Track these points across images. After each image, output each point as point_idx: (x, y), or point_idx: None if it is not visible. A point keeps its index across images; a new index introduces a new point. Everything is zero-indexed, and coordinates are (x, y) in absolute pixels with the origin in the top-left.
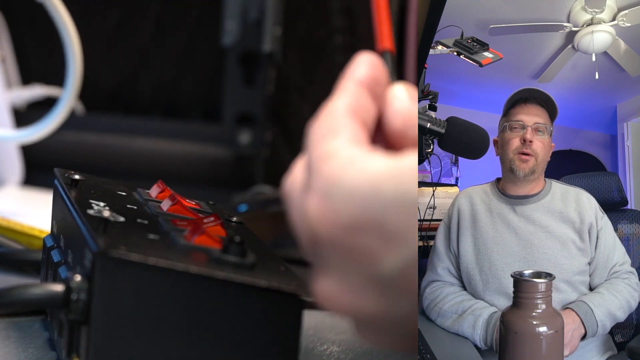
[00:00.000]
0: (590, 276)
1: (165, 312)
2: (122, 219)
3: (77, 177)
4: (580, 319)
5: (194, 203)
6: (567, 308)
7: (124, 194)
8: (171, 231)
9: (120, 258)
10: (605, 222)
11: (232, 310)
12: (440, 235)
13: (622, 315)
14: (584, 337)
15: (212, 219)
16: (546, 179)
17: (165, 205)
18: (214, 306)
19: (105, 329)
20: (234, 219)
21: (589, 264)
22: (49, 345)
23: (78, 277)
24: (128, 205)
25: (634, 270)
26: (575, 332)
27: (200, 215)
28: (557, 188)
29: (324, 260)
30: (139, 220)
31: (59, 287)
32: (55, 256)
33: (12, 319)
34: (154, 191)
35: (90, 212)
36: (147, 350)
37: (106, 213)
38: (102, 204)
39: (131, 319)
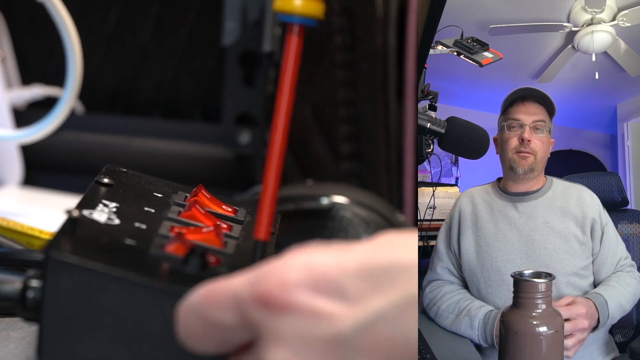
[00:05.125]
0: (596, 271)
1: (108, 316)
2: (117, 221)
3: (106, 180)
4: (597, 310)
5: (230, 210)
6: (586, 298)
7: (159, 195)
8: (155, 238)
9: (61, 260)
10: (608, 218)
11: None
12: (441, 236)
13: (629, 307)
14: (595, 328)
15: (211, 227)
16: (547, 176)
17: (177, 210)
18: (156, 314)
19: (53, 329)
20: None
21: (593, 260)
22: None
23: (35, 277)
24: (146, 208)
25: (634, 263)
26: (590, 321)
27: (219, 221)
28: (559, 185)
29: (275, 328)
30: (137, 224)
31: (17, 285)
32: None
33: (13, 318)
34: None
35: (85, 212)
36: (95, 353)
37: (98, 215)
38: (113, 204)
39: (77, 320)
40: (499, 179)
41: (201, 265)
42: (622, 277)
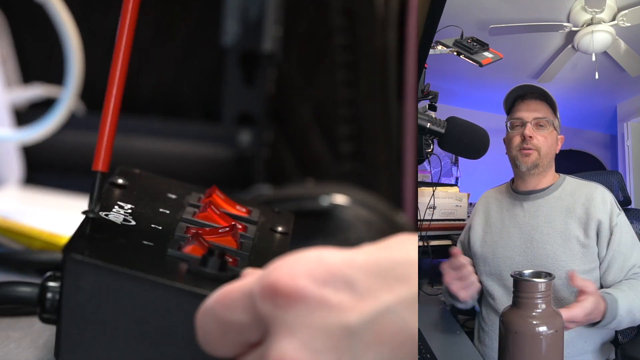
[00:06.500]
0: (602, 275)
1: (127, 316)
2: (133, 222)
3: (120, 181)
4: (606, 306)
5: (244, 210)
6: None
7: (173, 196)
8: (172, 238)
9: (79, 260)
10: (621, 219)
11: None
12: (461, 234)
13: None
14: (596, 324)
15: (227, 228)
16: (560, 175)
17: (192, 211)
18: (175, 314)
19: (71, 330)
20: (280, 229)
21: (600, 262)
22: None
23: (54, 278)
24: (161, 209)
25: None
26: (592, 314)
27: (233, 223)
28: (570, 183)
29: (283, 319)
30: (153, 225)
31: (36, 286)
32: None
33: (13, 318)
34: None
35: (101, 214)
36: (113, 353)
37: (113, 216)
38: (128, 206)
39: (96, 320)
40: (513, 179)
41: (220, 266)
42: (635, 285)
